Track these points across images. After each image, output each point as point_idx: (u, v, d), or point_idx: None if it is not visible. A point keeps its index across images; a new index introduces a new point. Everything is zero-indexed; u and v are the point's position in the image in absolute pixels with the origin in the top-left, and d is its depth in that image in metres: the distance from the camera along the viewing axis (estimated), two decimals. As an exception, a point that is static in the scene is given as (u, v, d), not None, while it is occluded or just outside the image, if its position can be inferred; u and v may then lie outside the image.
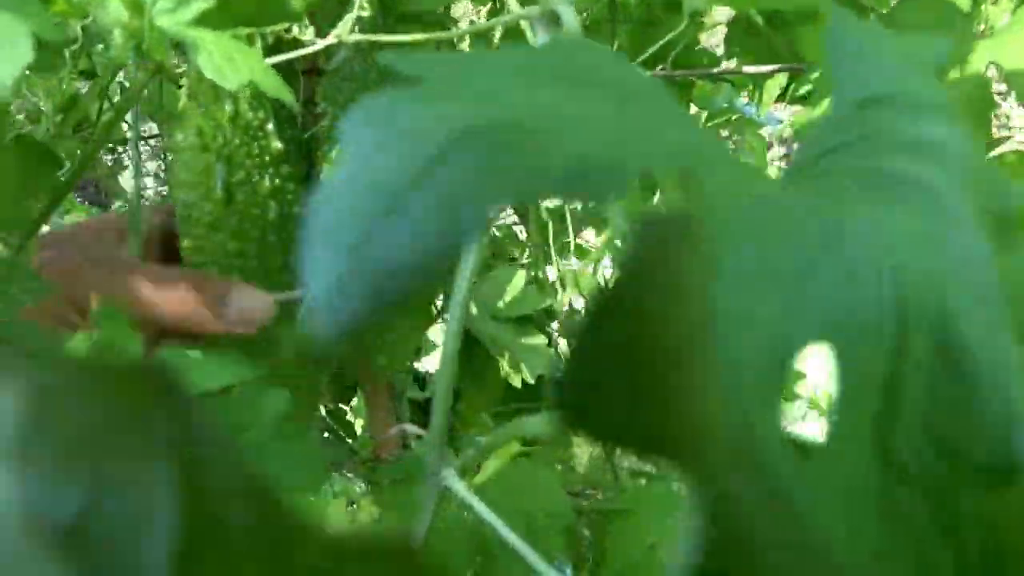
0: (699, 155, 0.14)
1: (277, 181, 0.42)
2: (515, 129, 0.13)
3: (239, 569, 0.09)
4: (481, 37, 0.46)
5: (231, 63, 0.27)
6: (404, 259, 0.12)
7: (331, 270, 0.12)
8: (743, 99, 0.76)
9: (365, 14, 0.34)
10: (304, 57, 0.40)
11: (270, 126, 0.39)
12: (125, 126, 0.77)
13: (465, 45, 0.42)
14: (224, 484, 0.09)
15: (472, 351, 0.76)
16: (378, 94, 0.13)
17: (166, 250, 0.45)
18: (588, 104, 0.14)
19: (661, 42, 0.49)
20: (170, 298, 0.38)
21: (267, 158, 0.42)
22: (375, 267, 0.12)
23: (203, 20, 0.33)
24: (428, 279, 0.12)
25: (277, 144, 0.41)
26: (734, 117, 0.72)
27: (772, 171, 0.75)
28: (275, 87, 0.28)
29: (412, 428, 0.38)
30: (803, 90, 0.60)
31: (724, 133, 0.74)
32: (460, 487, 0.20)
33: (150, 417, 0.09)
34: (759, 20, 0.60)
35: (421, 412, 0.94)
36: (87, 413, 0.09)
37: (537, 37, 0.26)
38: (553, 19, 0.26)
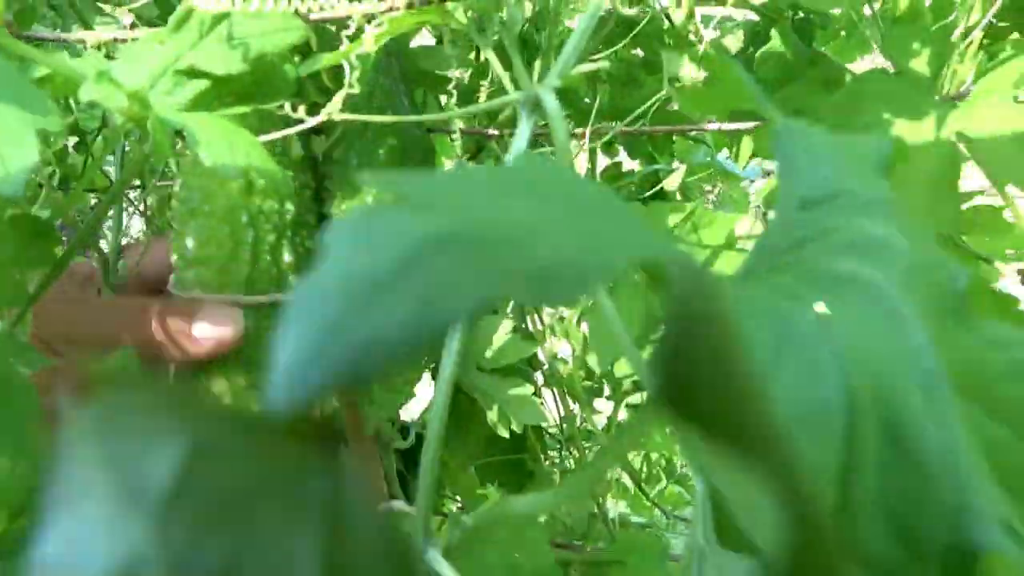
0: (662, 253, 0.15)
1: (296, 183, 0.43)
2: (490, 233, 0.14)
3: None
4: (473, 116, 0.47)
5: (230, 150, 0.28)
6: (380, 341, 0.13)
7: (305, 342, 0.12)
8: (723, 153, 0.78)
9: (355, 91, 0.35)
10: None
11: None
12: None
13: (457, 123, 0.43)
14: (366, 546, 0.10)
15: (454, 401, 0.76)
16: (359, 211, 0.14)
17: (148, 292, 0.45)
18: (555, 214, 0.15)
19: (647, 104, 0.51)
20: (137, 329, 0.39)
21: (287, 159, 0.43)
22: (351, 344, 0.12)
23: (200, 100, 0.34)
24: (400, 360, 0.13)
25: (297, 148, 0.42)
26: (714, 170, 0.74)
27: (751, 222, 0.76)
28: (273, 173, 0.29)
29: (400, 504, 0.39)
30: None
31: (707, 187, 0.76)
32: (446, 570, 0.20)
33: (299, 474, 0.10)
34: (734, 78, 0.62)
35: (403, 461, 0.94)
36: (238, 469, 0.09)
37: (521, 118, 0.28)
38: (536, 103, 0.28)
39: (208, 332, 0.39)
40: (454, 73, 0.72)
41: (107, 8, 0.61)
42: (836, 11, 0.66)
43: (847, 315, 0.15)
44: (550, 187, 0.16)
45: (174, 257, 0.42)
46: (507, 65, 0.49)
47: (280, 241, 0.41)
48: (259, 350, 0.41)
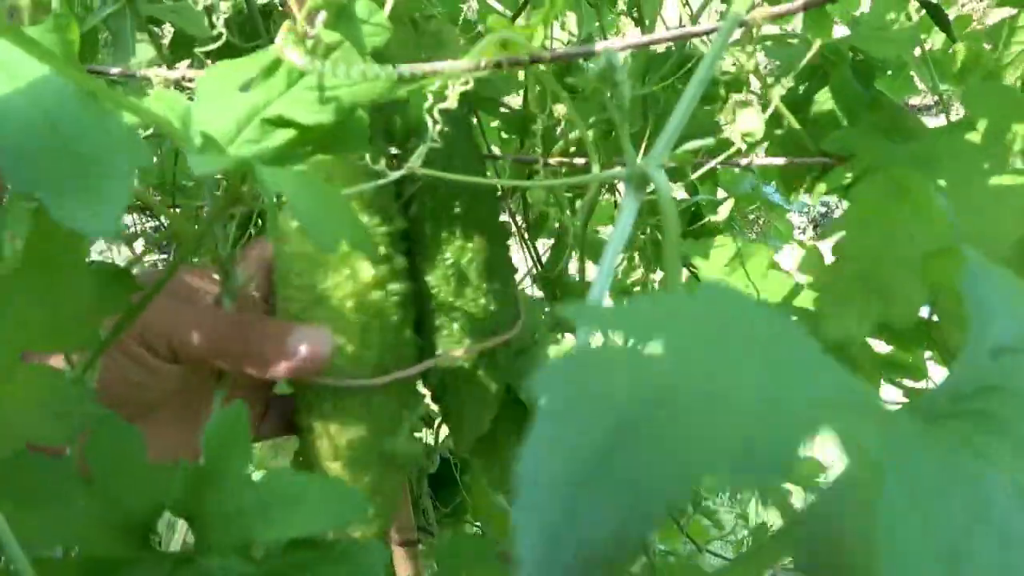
0: (852, 410, 0.15)
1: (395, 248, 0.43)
2: (685, 405, 0.14)
3: None
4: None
5: (328, 219, 0.27)
6: (599, 536, 0.13)
7: (541, 536, 0.13)
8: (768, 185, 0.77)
9: (437, 145, 0.34)
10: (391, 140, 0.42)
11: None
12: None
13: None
14: None
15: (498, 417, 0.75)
16: (562, 360, 0.14)
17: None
18: (746, 369, 0.15)
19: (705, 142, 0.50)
20: (236, 342, 0.39)
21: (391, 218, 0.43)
22: (578, 542, 0.13)
23: (285, 150, 0.33)
24: (625, 552, 0.13)
25: (399, 221, 0.42)
26: (760, 202, 0.74)
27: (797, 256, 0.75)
28: (362, 242, 0.29)
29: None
30: (823, 187, 0.62)
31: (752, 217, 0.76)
32: None
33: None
34: (789, 116, 0.61)
35: (432, 483, 0.93)
36: None
37: (624, 198, 0.27)
38: (643, 180, 0.27)
39: (303, 352, 0.39)
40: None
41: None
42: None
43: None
44: (740, 325, 0.15)
45: None
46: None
47: (402, 319, 0.41)
48: (386, 422, 0.42)
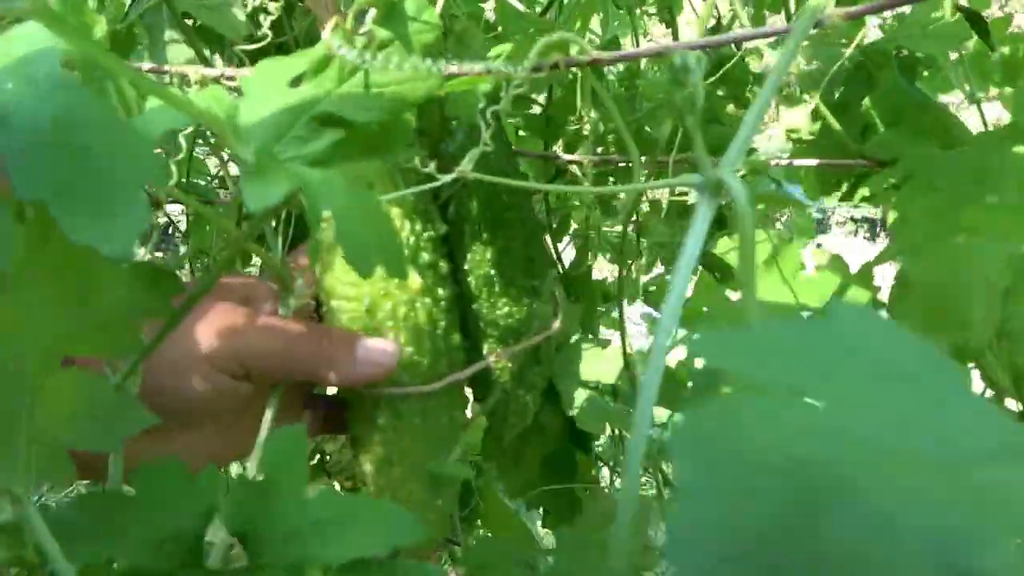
0: None
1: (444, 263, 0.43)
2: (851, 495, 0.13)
3: None
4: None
5: (371, 242, 0.26)
6: None
7: None
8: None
9: (488, 148, 0.33)
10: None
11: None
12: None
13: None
14: None
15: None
16: (701, 412, 0.13)
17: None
18: (910, 431, 0.13)
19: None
20: (304, 351, 0.39)
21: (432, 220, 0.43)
22: None
23: (332, 151, 0.32)
24: None
25: (440, 225, 0.41)
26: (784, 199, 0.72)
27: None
28: (400, 270, 0.28)
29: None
30: (864, 191, 0.60)
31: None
32: None
33: None
34: (830, 117, 0.60)
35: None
36: None
37: (699, 206, 0.26)
38: (717, 188, 0.26)
39: (370, 358, 0.39)
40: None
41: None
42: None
43: None
44: (888, 360, 0.14)
45: None
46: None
47: (450, 323, 0.41)
48: (441, 428, 0.41)
